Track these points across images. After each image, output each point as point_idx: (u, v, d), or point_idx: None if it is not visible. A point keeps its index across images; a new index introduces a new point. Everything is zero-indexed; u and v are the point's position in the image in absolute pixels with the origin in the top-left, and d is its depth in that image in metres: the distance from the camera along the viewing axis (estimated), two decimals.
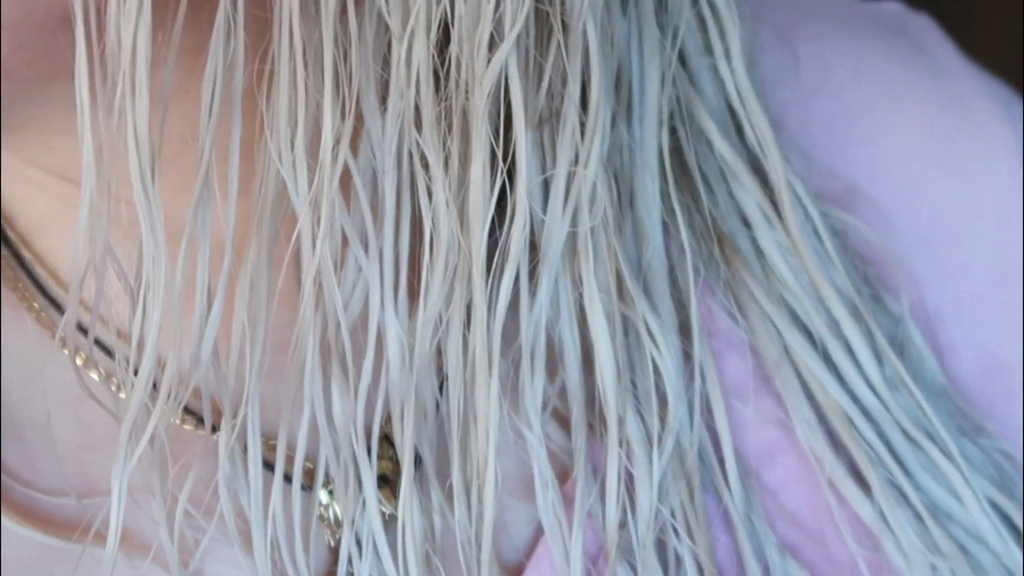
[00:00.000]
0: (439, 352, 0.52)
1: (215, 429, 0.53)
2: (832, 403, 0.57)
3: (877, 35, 0.64)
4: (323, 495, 0.55)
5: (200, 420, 0.54)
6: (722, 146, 0.57)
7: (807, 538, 0.57)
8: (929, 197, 0.62)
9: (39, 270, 0.57)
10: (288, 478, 0.53)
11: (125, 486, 0.51)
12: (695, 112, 0.57)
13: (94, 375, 0.55)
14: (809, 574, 0.56)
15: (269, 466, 0.53)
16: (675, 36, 0.55)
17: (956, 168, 0.62)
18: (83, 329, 0.53)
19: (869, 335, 0.58)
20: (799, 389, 0.57)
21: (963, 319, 0.61)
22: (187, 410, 0.55)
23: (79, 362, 0.55)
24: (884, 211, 0.61)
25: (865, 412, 0.57)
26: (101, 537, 0.52)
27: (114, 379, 0.54)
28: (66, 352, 0.54)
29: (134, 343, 0.50)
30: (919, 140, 0.62)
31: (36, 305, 0.56)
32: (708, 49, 0.57)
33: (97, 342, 0.55)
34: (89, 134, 0.47)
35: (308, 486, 0.54)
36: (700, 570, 0.55)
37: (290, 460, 0.53)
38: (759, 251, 0.58)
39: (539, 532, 0.55)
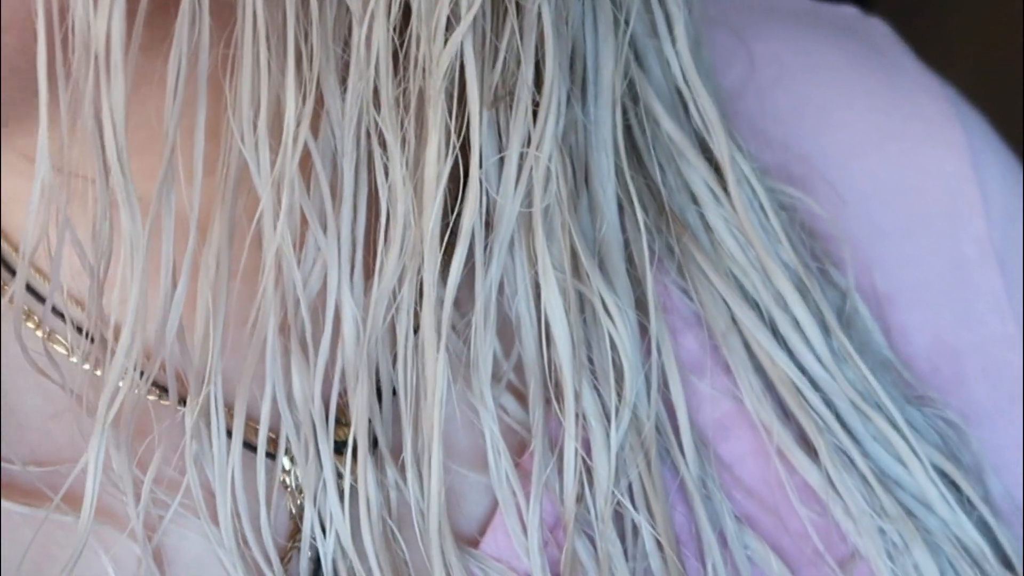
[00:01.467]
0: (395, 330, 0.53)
1: (182, 402, 0.54)
2: (780, 373, 0.58)
3: (831, 34, 0.66)
4: (286, 461, 0.56)
5: (165, 391, 0.55)
6: (669, 125, 0.58)
7: (762, 509, 0.58)
8: (879, 189, 0.63)
9: (4, 246, 0.57)
10: (252, 447, 0.54)
11: (101, 456, 0.52)
12: (643, 92, 0.58)
13: (59, 348, 0.56)
14: (765, 543, 0.57)
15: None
16: (628, 16, 0.56)
17: (905, 162, 0.64)
18: (43, 300, 0.55)
19: (816, 308, 0.59)
20: (747, 360, 0.58)
21: (915, 305, 0.63)
22: (153, 382, 0.55)
23: (39, 335, 0.56)
24: (838, 195, 0.63)
25: (813, 383, 0.58)
26: (66, 503, 0.53)
27: (73, 350, 0.55)
28: (29, 325, 0.55)
29: (112, 322, 0.51)
30: (869, 134, 0.64)
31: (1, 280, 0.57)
32: (654, 31, 0.58)
33: (56, 311, 0.56)
34: (45, 112, 0.48)
35: (272, 454, 0.55)
36: (658, 541, 0.56)
37: (254, 431, 0.54)
38: (708, 227, 0.59)
39: (496, 505, 0.56)
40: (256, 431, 0.54)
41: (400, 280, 0.52)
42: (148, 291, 0.50)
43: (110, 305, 0.52)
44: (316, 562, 0.55)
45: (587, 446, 0.55)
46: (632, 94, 0.58)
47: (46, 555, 0.54)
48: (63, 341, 0.56)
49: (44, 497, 0.54)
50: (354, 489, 0.55)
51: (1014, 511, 0.62)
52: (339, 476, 0.55)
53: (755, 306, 0.59)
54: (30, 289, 0.57)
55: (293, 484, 0.56)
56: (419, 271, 0.52)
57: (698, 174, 0.59)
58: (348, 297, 0.52)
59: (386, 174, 0.51)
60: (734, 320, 0.58)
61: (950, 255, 0.63)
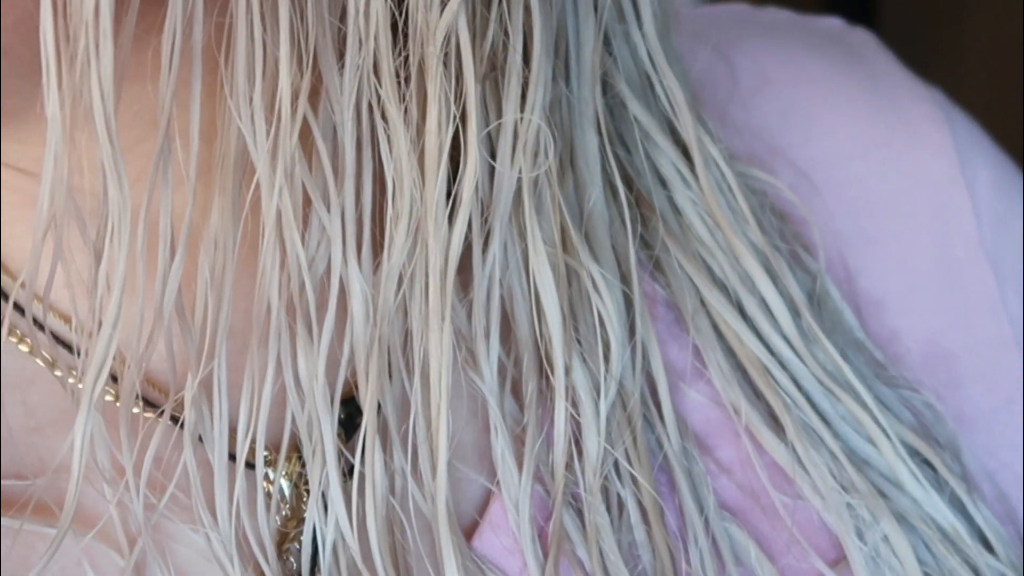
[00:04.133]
0: (404, 309, 0.53)
1: (175, 418, 0.53)
2: (748, 353, 0.58)
3: (814, 45, 0.67)
4: (270, 473, 0.55)
5: (147, 403, 0.55)
6: (636, 108, 0.59)
7: (742, 493, 0.58)
8: (868, 195, 0.64)
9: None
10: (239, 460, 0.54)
11: (84, 459, 0.51)
12: (611, 75, 0.58)
13: (41, 361, 0.56)
14: (745, 531, 0.57)
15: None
16: None
17: (892, 168, 0.64)
18: (22, 310, 0.54)
19: (784, 290, 0.59)
20: (715, 341, 0.58)
21: (907, 310, 0.63)
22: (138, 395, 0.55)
23: (24, 349, 0.56)
24: (827, 208, 0.63)
25: (782, 364, 0.59)
26: (48, 515, 0.53)
27: (58, 365, 0.55)
28: (11, 338, 0.55)
29: (97, 307, 0.50)
30: (855, 141, 0.64)
31: None
32: (622, 16, 0.59)
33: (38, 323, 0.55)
34: (55, 84, 0.47)
35: (253, 463, 0.54)
36: (642, 514, 0.56)
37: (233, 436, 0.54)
38: (676, 210, 0.59)
39: (487, 504, 0.56)
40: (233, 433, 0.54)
41: (410, 255, 0.52)
42: (145, 269, 0.50)
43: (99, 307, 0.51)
44: (313, 549, 0.55)
45: (575, 422, 0.56)
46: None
47: (28, 567, 0.53)
48: (46, 356, 0.56)
49: (25, 509, 0.53)
50: (357, 474, 0.54)
51: (1009, 513, 0.62)
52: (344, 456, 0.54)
53: (723, 288, 0.59)
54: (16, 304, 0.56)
55: (277, 493, 0.56)
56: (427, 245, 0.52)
57: (666, 156, 0.59)
58: (356, 273, 0.52)
59: (389, 148, 0.51)
60: (702, 302, 0.59)
61: (941, 258, 0.64)
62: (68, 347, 0.55)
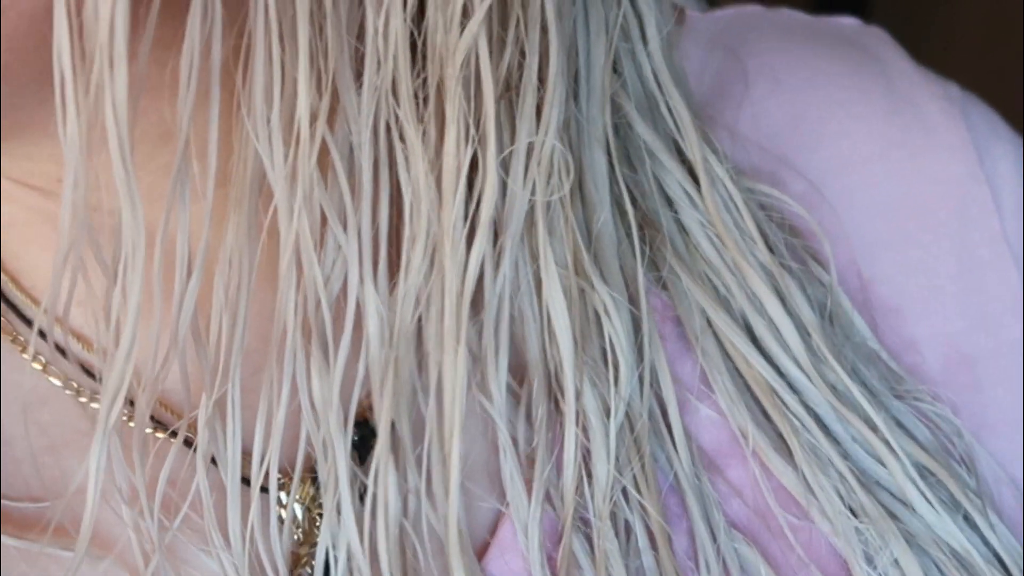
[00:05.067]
0: (419, 330, 0.53)
1: (174, 435, 0.53)
2: (755, 375, 0.58)
3: (827, 45, 0.66)
4: (282, 496, 0.55)
5: (159, 424, 0.55)
6: (641, 128, 0.59)
7: (754, 514, 0.58)
8: (884, 198, 0.63)
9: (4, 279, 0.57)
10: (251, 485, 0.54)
11: (100, 481, 0.51)
12: (617, 94, 0.58)
13: (55, 380, 0.56)
14: (755, 548, 0.57)
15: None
16: (619, 15, 0.56)
17: (909, 169, 0.63)
18: (43, 333, 0.54)
19: (794, 310, 0.59)
20: (721, 363, 0.58)
21: (926, 314, 0.62)
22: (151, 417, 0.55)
23: (38, 367, 0.56)
24: (837, 209, 0.63)
25: (790, 385, 0.58)
26: (60, 535, 0.52)
27: (73, 384, 0.55)
28: (24, 356, 0.55)
29: (112, 324, 0.50)
30: (871, 142, 0.63)
31: None
32: (627, 35, 0.58)
33: (59, 346, 0.55)
34: (73, 107, 0.47)
35: (266, 487, 0.54)
36: (650, 539, 0.56)
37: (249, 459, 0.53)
38: (683, 229, 0.59)
39: (496, 527, 0.56)
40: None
41: (426, 277, 0.52)
42: (161, 294, 0.50)
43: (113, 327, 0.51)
44: (325, 571, 0.54)
45: (584, 448, 0.55)
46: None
47: None
48: (58, 373, 0.56)
49: (39, 531, 0.53)
50: (371, 496, 0.54)
51: None
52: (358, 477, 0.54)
53: (730, 308, 0.59)
54: (25, 319, 0.57)
55: (290, 517, 0.56)
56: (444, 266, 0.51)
57: (672, 176, 0.59)
58: (372, 293, 0.52)
59: (407, 169, 0.51)
60: (709, 322, 0.58)
61: (962, 259, 0.63)
62: (85, 368, 0.55)
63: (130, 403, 0.53)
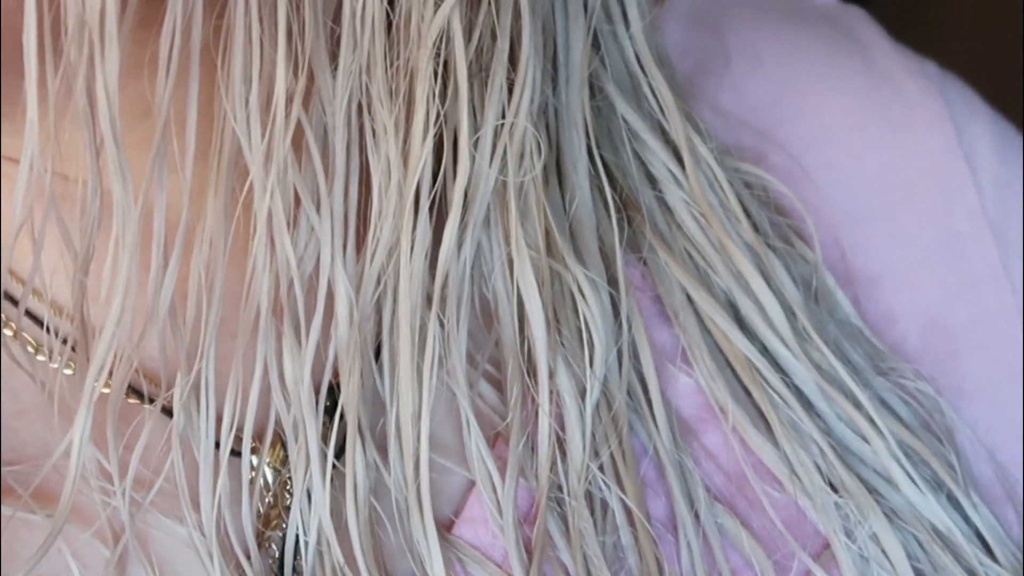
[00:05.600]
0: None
1: (152, 401, 0.54)
2: (735, 351, 0.58)
3: (806, 24, 0.66)
4: (253, 459, 0.55)
5: (136, 392, 0.55)
6: (624, 109, 0.59)
7: (726, 478, 0.58)
8: (864, 170, 0.64)
9: None
10: (237, 437, 0.54)
11: (88, 434, 0.51)
12: (598, 76, 0.58)
13: (29, 347, 0.56)
14: (738, 521, 0.57)
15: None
16: None
17: (888, 141, 0.64)
18: (14, 300, 0.55)
19: (778, 288, 0.59)
20: (701, 340, 0.58)
21: (905, 284, 0.63)
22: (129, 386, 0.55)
23: (8, 333, 0.56)
24: (818, 181, 0.63)
25: (775, 363, 0.58)
26: (31, 502, 0.53)
27: (43, 350, 0.55)
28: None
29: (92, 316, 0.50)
30: (849, 116, 0.64)
31: None
32: (609, 16, 0.59)
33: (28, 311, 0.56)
34: (35, 91, 0.47)
35: (238, 451, 0.55)
36: (628, 515, 0.56)
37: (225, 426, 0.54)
38: (667, 208, 0.59)
39: (468, 496, 0.56)
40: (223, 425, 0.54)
41: (388, 256, 0.52)
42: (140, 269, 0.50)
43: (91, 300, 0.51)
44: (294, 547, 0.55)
45: (561, 424, 0.56)
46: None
47: (12, 553, 0.54)
48: (31, 340, 0.56)
49: (11, 495, 0.53)
50: (339, 474, 0.54)
51: (1009, 493, 0.62)
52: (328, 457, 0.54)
53: (712, 286, 0.59)
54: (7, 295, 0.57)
55: (260, 482, 0.56)
56: (411, 246, 0.52)
57: (656, 157, 0.59)
58: (342, 274, 0.52)
59: (378, 149, 0.51)
60: (689, 299, 0.58)
61: (941, 231, 0.63)
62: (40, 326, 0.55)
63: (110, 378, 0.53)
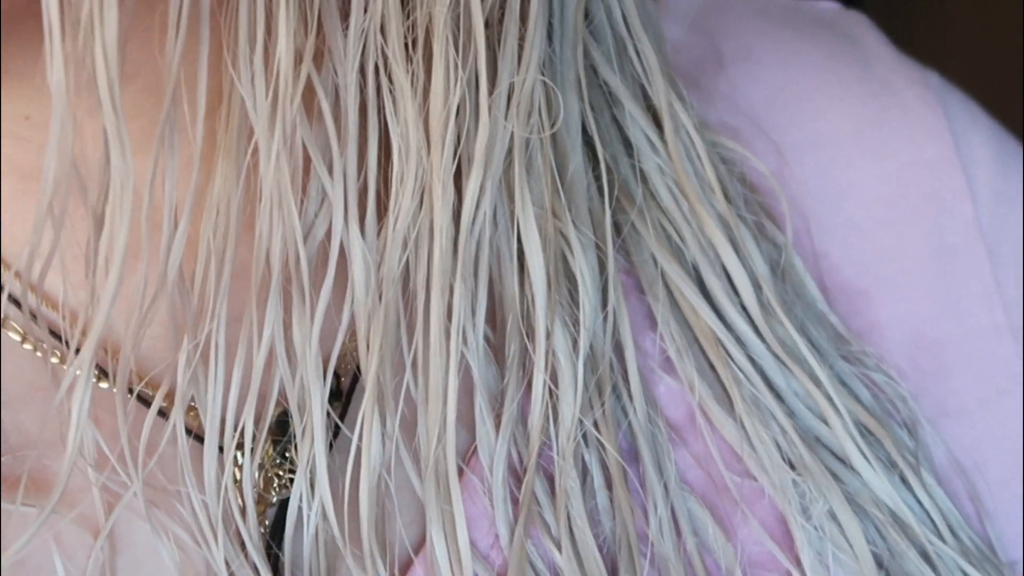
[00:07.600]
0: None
1: (144, 400, 0.54)
2: (702, 326, 0.58)
3: (805, 29, 0.66)
4: (238, 456, 0.55)
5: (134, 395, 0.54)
6: (606, 71, 0.59)
7: (696, 463, 0.58)
8: (857, 180, 0.63)
9: None
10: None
11: (86, 410, 0.51)
12: (585, 38, 0.58)
13: (13, 335, 0.56)
14: (704, 506, 0.57)
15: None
16: None
17: (884, 151, 0.63)
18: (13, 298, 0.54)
19: (747, 261, 0.59)
20: (670, 312, 0.58)
21: (893, 298, 0.62)
22: (104, 371, 0.55)
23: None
24: (810, 192, 0.63)
25: (738, 337, 0.58)
26: (13, 489, 0.52)
27: (30, 339, 0.55)
28: None
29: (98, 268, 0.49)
30: (846, 125, 0.64)
31: None
32: None
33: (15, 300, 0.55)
34: (59, 52, 0.46)
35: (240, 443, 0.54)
36: (606, 480, 0.56)
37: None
38: (641, 178, 0.59)
39: (469, 456, 0.56)
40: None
41: (414, 219, 0.52)
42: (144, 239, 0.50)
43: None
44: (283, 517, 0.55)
45: (551, 388, 0.55)
46: None
47: None
48: (17, 328, 0.56)
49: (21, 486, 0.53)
50: (347, 442, 0.54)
51: (979, 514, 0.62)
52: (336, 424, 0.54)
53: (682, 258, 0.59)
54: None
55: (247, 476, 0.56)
56: (432, 209, 0.51)
57: (636, 122, 0.59)
58: (358, 237, 0.52)
59: (395, 111, 0.51)
60: (660, 272, 0.58)
61: (933, 244, 0.63)
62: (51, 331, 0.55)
63: (100, 370, 0.54)
